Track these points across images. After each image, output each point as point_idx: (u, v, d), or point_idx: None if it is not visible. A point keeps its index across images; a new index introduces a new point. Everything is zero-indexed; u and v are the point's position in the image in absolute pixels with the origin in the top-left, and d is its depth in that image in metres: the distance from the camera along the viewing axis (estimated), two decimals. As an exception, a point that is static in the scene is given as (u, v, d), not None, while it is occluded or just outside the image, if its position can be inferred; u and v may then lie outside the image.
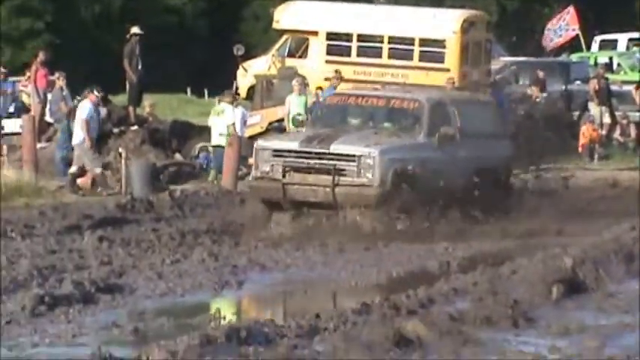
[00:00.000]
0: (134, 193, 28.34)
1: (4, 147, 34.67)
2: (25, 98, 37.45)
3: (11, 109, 38.16)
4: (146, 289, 18.39)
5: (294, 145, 23.74)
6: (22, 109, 37.15)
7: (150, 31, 38.81)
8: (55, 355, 13.65)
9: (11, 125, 36.09)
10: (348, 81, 33.33)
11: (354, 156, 22.97)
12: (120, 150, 31.04)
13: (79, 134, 30.29)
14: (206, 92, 51.05)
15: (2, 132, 36.01)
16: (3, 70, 37.01)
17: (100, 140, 31.58)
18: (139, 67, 36.00)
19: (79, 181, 30.31)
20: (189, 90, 55.21)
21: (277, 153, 23.55)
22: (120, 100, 36.09)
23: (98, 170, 29.84)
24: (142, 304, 17.37)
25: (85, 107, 30.70)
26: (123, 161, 30.36)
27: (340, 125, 24.62)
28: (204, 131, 34.27)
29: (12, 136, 35.82)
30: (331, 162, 22.95)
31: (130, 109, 35.16)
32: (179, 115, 39.63)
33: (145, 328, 15.06)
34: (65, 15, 65.52)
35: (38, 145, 33.69)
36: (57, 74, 34.74)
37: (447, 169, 24.04)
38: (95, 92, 31.89)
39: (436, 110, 24.81)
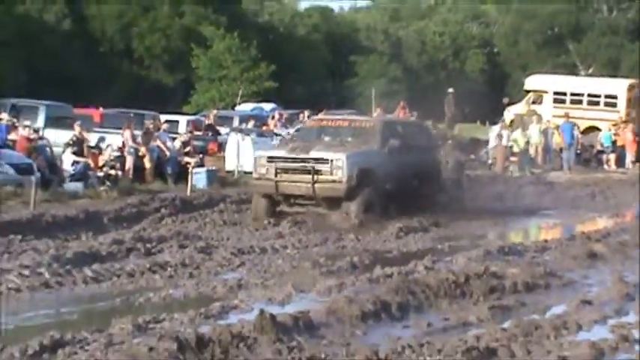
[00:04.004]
0: (450, 174, 27.97)
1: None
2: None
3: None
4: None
5: (282, 153, 18.46)
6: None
7: (458, 89, 38.72)
8: (407, 255, 13.73)
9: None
10: (564, 117, 32.64)
11: (327, 160, 17.78)
12: (442, 152, 30.85)
13: None
14: (487, 123, 50.56)
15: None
16: (382, 112, 36.83)
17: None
18: (453, 109, 36.11)
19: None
20: (478, 122, 54.83)
21: (270, 159, 18.24)
22: (441, 126, 36.00)
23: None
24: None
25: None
26: (444, 159, 30.13)
27: (316, 140, 19.00)
28: (487, 143, 33.97)
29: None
30: (311, 164, 17.77)
31: (448, 131, 35.07)
32: (473, 134, 39.30)
33: (456, 244, 15.04)
34: (412, 81, 65.94)
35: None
36: (413, 113, 34.74)
37: (394, 170, 18.50)
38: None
39: (386, 128, 19.38)
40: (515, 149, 30.41)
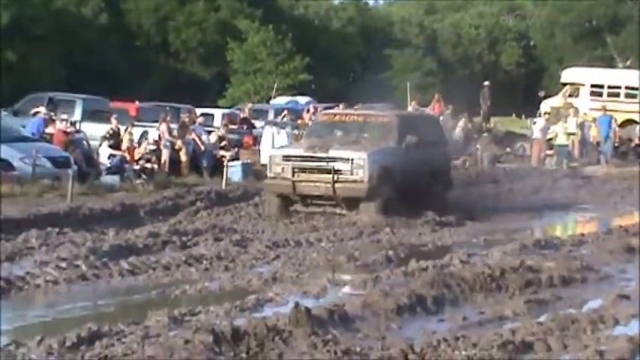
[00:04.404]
0: (485, 167, 27.87)
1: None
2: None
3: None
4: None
5: (299, 151, 17.17)
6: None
7: (493, 84, 38.58)
8: (442, 248, 13.73)
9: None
10: (601, 110, 32.37)
11: (348, 159, 16.61)
12: (477, 146, 30.76)
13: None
14: (523, 116, 50.28)
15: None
16: (417, 105, 36.74)
17: (467, 141, 31.39)
18: (488, 103, 35.85)
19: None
20: (514, 114, 54.53)
21: (286, 158, 17.06)
22: (477, 119, 35.85)
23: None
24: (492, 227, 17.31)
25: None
26: (479, 152, 30.09)
27: (330, 136, 17.72)
28: (523, 137, 33.92)
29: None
30: (330, 164, 16.61)
31: (483, 124, 34.92)
32: (508, 127, 39.12)
33: (491, 238, 14.98)
34: (447, 74, 65.65)
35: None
36: (449, 106, 34.65)
37: (411, 167, 17.33)
38: (464, 118, 31.96)
39: (402, 123, 18.05)
40: (558, 142, 30.26)
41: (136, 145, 22.10)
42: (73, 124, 23.08)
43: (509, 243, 13.91)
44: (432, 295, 9.65)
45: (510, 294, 10.34)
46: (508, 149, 33.01)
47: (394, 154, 17.34)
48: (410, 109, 32.70)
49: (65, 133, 21.57)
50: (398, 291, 9.59)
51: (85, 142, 22.03)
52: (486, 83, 36.86)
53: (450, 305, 9.66)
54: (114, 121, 22.33)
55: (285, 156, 17.24)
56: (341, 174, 16.63)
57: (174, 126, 23.92)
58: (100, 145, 21.75)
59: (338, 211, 16.84)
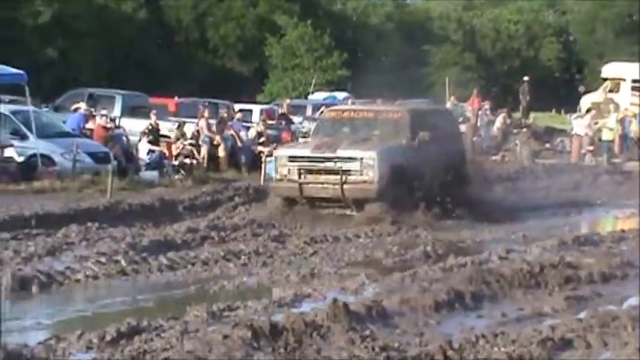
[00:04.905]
0: (524, 162, 27.68)
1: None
2: (467, 114, 36.69)
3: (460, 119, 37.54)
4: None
5: (306, 152, 16.09)
6: (465, 120, 36.28)
7: (532, 79, 38.28)
8: (481, 244, 13.69)
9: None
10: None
11: (357, 158, 15.59)
12: (516, 141, 30.53)
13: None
14: (562, 111, 49.88)
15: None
16: (456, 100, 36.43)
17: (506, 137, 31.20)
18: (527, 98, 35.69)
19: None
20: (554, 110, 54.09)
21: (292, 159, 16.02)
22: (516, 115, 35.61)
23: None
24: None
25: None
26: (518, 148, 29.81)
27: (338, 134, 16.65)
28: (562, 132, 33.65)
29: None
30: (338, 164, 15.61)
31: (522, 120, 34.72)
32: (548, 122, 38.80)
33: (530, 234, 14.90)
34: (486, 69, 65.30)
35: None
36: (487, 101, 34.43)
37: (424, 165, 16.23)
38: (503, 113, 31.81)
39: (414, 119, 16.82)
40: (604, 138, 29.98)
41: (193, 141, 22.27)
42: (112, 119, 23.24)
43: (548, 239, 13.81)
44: (470, 291, 9.61)
45: (550, 290, 10.26)
46: (547, 145, 32.77)
47: (406, 152, 16.36)
48: (449, 104, 32.58)
49: (105, 128, 21.73)
50: (436, 287, 9.56)
51: (124, 138, 22.19)
52: (525, 78, 36.69)
53: (489, 301, 9.61)
54: (153, 117, 22.45)
55: (291, 157, 16.28)
56: (349, 174, 15.71)
57: (212, 122, 24.02)
58: (140, 140, 21.88)
59: (348, 212, 15.93)
